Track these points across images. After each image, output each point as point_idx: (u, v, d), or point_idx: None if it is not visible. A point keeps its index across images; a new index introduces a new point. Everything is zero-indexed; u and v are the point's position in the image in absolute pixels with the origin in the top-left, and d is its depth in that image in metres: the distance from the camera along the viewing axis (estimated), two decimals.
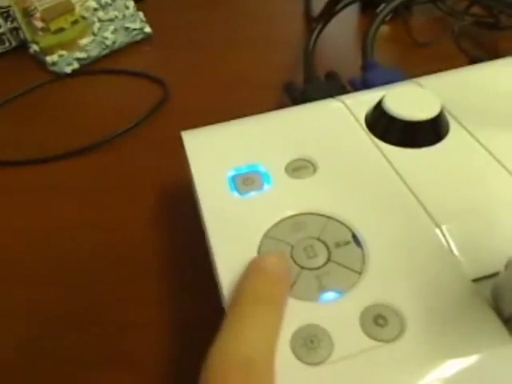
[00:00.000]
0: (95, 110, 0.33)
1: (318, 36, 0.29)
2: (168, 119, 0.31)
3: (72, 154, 0.29)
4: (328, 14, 0.30)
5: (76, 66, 0.38)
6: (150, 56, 0.39)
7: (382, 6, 0.31)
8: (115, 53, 0.39)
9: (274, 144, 0.20)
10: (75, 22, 0.38)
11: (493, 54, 0.33)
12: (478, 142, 0.19)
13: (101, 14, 0.39)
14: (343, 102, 0.22)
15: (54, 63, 0.37)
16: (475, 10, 0.36)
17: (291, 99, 0.26)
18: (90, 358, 0.19)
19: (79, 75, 0.37)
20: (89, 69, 0.38)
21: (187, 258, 0.22)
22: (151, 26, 0.40)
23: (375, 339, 0.14)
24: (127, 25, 0.39)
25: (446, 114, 0.20)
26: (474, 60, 0.28)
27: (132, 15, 0.40)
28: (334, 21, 0.35)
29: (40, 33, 0.38)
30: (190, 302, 0.21)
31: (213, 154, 0.20)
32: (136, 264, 0.22)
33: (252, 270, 0.15)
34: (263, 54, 0.37)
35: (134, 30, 0.39)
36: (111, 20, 0.39)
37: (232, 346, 0.13)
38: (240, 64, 0.36)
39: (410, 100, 0.19)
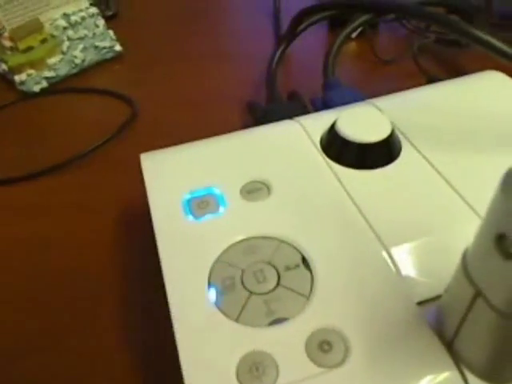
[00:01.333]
0: (62, 129, 0.33)
1: (280, 56, 0.30)
2: (135, 138, 0.31)
3: (34, 175, 0.29)
4: (292, 33, 0.30)
5: (45, 84, 0.37)
6: (119, 74, 0.39)
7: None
8: (85, 71, 0.39)
9: (230, 166, 0.20)
10: (44, 41, 0.38)
11: (454, 71, 0.34)
12: (429, 163, 0.19)
13: (70, 32, 0.39)
14: (300, 124, 0.22)
15: (22, 82, 0.37)
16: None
17: (254, 119, 0.27)
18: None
19: (48, 94, 0.37)
20: (57, 88, 0.38)
21: (149, 281, 0.22)
22: (122, 44, 0.41)
23: (319, 365, 0.14)
24: (97, 43, 0.39)
25: (399, 134, 0.20)
26: (431, 79, 0.28)
27: (102, 34, 0.40)
28: (303, 39, 0.36)
29: (8, 52, 0.38)
30: (152, 325, 0.20)
31: (169, 177, 0.20)
32: (95, 286, 0.22)
33: None
34: (233, 71, 0.37)
35: (104, 48, 0.39)
36: (81, 38, 0.39)
37: None
38: (209, 82, 0.36)
39: (361, 122, 0.20)
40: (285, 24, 0.40)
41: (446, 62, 0.35)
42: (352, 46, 0.38)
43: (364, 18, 0.31)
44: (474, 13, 0.33)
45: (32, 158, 0.30)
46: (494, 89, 0.23)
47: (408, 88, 0.25)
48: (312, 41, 0.39)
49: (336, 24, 0.40)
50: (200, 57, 0.40)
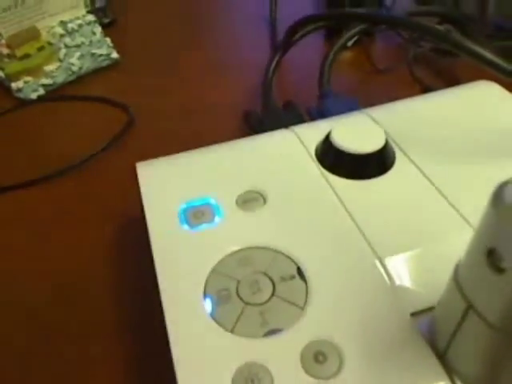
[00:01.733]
0: (59, 137, 0.33)
1: (276, 65, 0.30)
2: (131, 146, 0.31)
3: (29, 184, 0.29)
4: (287, 43, 0.31)
5: (41, 92, 0.37)
6: (116, 82, 0.39)
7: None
8: (81, 79, 0.39)
9: (227, 176, 0.20)
10: (41, 49, 0.38)
11: (449, 80, 0.34)
12: (423, 173, 0.19)
13: (67, 40, 0.39)
14: (296, 133, 0.22)
15: (19, 89, 0.37)
16: None
17: (250, 128, 0.27)
18: None
19: (44, 102, 0.37)
20: (54, 95, 0.38)
21: (147, 290, 0.22)
22: (119, 51, 0.41)
23: (314, 377, 0.14)
24: (94, 51, 0.39)
25: (393, 145, 0.21)
26: (426, 89, 0.29)
27: (99, 41, 0.40)
28: (299, 47, 0.36)
29: (6, 59, 0.38)
30: (146, 336, 0.21)
31: (165, 186, 0.20)
32: (92, 298, 0.22)
33: None
34: (230, 79, 0.37)
35: (101, 55, 0.40)
36: (78, 46, 0.39)
37: None
38: (205, 90, 0.36)
39: (356, 133, 0.20)
40: (281, 32, 0.40)
41: (441, 71, 0.35)
42: (348, 54, 0.38)
43: (359, 27, 0.31)
44: (468, 23, 0.33)
45: (27, 167, 0.30)
46: (487, 99, 0.24)
47: (403, 97, 0.25)
48: (308, 49, 0.39)
49: (332, 32, 0.40)
50: (196, 65, 0.40)
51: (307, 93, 0.31)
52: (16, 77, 0.37)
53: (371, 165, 0.19)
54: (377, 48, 0.39)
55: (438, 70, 0.35)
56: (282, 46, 0.31)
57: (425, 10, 0.30)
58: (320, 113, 0.26)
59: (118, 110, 0.35)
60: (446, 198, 0.18)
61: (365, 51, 0.38)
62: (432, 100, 0.24)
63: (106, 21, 0.45)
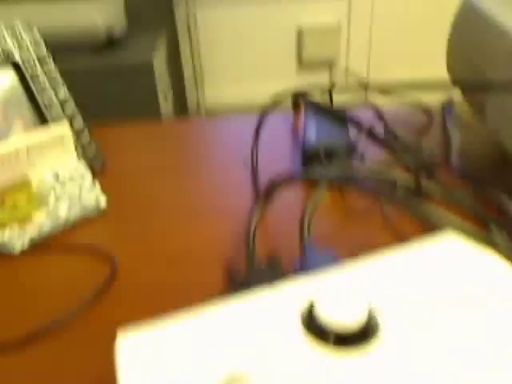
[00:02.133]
0: (38, 293, 0.32)
1: (258, 221, 0.31)
2: (112, 303, 0.31)
3: None
4: (267, 198, 0.32)
5: (26, 243, 0.38)
6: (101, 230, 0.39)
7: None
8: (68, 227, 0.40)
9: (210, 355, 0.20)
10: (30, 199, 0.39)
11: (422, 223, 0.35)
12: (408, 340, 0.19)
13: (57, 190, 0.40)
14: (280, 294, 0.22)
15: (3, 241, 0.37)
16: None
17: (234, 285, 0.27)
18: None
19: (28, 253, 0.37)
20: (39, 245, 0.38)
21: None
22: (106, 197, 0.42)
23: None
24: (83, 201, 0.41)
25: (376, 310, 0.21)
26: (399, 235, 0.30)
27: (89, 191, 0.41)
28: (280, 197, 0.37)
29: None
30: None
31: (145, 368, 0.19)
32: None
33: None
34: (213, 227, 0.38)
35: (89, 206, 0.41)
36: (67, 197, 0.40)
37: None
38: (190, 238, 0.37)
39: (338, 305, 0.20)
40: (263, 176, 0.42)
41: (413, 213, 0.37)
42: (325, 198, 0.40)
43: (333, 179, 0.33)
44: (435, 169, 0.36)
45: None
46: (452, 256, 0.25)
47: (379, 242, 0.26)
48: (289, 196, 0.40)
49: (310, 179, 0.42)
50: (180, 212, 0.41)
51: (290, 243, 0.32)
52: (1, 228, 0.38)
53: (355, 336, 0.19)
54: (353, 191, 0.41)
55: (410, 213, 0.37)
56: (262, 203, 0.33)
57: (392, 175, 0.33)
58: (302, 268, 0.26)
59: (102, 261, 0.35)
60: (434, 372, 0.18)
61: (341, 194, 0.39)
62: (404, 257, 0.25)
63: (95, 169, 0.47)
